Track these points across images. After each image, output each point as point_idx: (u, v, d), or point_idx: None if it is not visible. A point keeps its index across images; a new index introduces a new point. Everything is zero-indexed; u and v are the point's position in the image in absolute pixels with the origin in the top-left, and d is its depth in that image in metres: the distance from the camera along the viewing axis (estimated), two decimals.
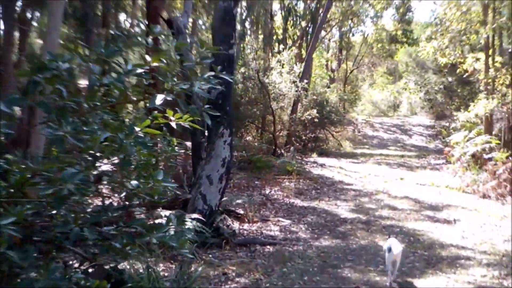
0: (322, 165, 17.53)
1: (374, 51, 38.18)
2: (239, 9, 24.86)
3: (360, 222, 9.95)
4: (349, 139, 27.26)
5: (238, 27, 22.09)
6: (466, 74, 17.65)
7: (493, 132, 16.21)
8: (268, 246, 8.21)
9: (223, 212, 9.75)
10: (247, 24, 25.25)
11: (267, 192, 12.74)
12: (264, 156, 16.30)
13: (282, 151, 17.80)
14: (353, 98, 34.69)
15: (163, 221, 7.42)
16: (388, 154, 22.27)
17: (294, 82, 18.53)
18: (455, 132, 16.69)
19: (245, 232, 9.16)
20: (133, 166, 3.82)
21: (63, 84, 3.24)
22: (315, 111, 19.16)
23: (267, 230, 9.28)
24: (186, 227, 7.27)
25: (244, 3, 23.37)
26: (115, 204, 5.56)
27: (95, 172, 3.66)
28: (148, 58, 3.57)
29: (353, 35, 36.96)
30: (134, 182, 3.72)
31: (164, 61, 3.59)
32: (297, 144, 19.65)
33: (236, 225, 9.45)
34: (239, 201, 10.44)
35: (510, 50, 16.05)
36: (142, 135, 3.49)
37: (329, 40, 39.68)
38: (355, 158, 20.39)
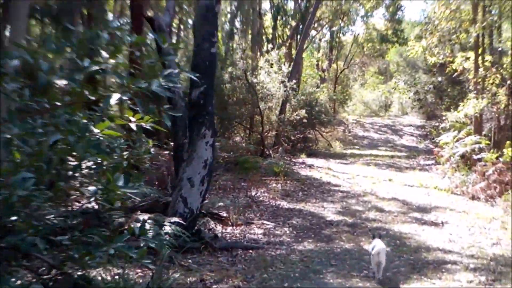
0: (310, 166, 17.31)
1: (365, 51, 37.98)
2: (228, 8, 24.75)
3: (346, 225, 9.73)
4: (340, 139, 27.11)
5: (227, 26, 21.89)
6: (456, 73, 17.47)
7: (483, 133, 16.04)
8: (250, 251, 7.95)
9: (206, 215, 9.54)
10: (236, 23, 25.02)
11: (253, 193, 12.51)
12: (251, 157, 16.05)
13: (271, 151, 17.57)
14: (343, 98, 34.41)
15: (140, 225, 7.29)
16: (378, 154, 22.12)
17: (282, 82, 18.29)
18: (445, 132, 16.50)
19: (228, 235, 8.91)
20: (92, 171, 3.57)
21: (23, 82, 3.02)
22: (303, 111, 18.94)
23: (250, 234, 9.04)
24: (164, 231, 7.08)
25: (234, 2, 23.23)
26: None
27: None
28: (105, 54, 3.33)
29: (343, 34, 36.73)
30: (91, 188, 3.47)
31: (121, 58, 3.33)
32: (286, 144, 19.43)
33: (219, 228, 9.22)
34: (221, 204, 10.17)
35: (500, 49, 15.88)
36: (98, 138, 3.24)
37: (320, 40, 39.51)
38: (344, 158, 20.20)
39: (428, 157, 19.60)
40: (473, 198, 12.24)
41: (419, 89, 29.98)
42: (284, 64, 18.65)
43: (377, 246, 6.46)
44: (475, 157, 13.87)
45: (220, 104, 17.02)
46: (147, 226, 7.17)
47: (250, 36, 23.29)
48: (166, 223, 7.16)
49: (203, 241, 7.88)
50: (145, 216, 7.76)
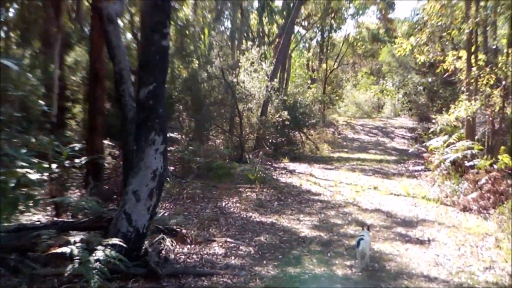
0: (291, 172, 16.23)
1: (355, 50, 36.97)
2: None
3: (319, 243, 8.62)
4: (329, 142, 26.17)
5: (201, 20, 20.65)
6: (447, 73, 16.34)
7: (476, 137, 14.92)
8: (203, 278, 6.81)
9: (162, 231, 8.44)
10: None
11: (223, 204, 11.44)
12: (227, 162, 14.94)
13: (250, 156, 16.42)
14: (328, 100, 33.22)
15: (68, 249, 6.15)
16: (366, 158, 21.05)
17: (263, 81, 17.18)
18: (434, 136, 15.38)
19: (183, 256, 7.78)
20: None
21: None
22: (286, 112, 17.83)
23: (209, 254, 7.90)
24: (95, 257, 5.96)
25: None
26: None
27: None
28: None
29: (334, 31, 35.63)
30: None
31: None
32: (267, 148, 18.31)
33: (174, 247, 8.09)
34: (174, 221, 8.95)
35: (494, 47, 14.74)
36: None
37: (311, 39, 38.53)
38: (329, 163, 19.12)
39: (418, 162, 18.51)
40: (464, 209, 11.14)
41: (409, 91, 28.75)
42: (265, 62, 17.51)
43: (363, 240, 7.11)
44: (467, 164, 12.77)
45: (196, 105, 15.93)
46: (75, 251, 6.12)
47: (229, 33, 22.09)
48: (99, 247, 6.07)
49: (150, 267, 6.74)
50: (77, 238, 6.68)
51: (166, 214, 10.36)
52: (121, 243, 6.40)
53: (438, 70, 16.10)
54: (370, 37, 34.95)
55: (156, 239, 8.09)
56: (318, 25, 34.77)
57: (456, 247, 8.43)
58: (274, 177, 15.04)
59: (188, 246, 8.25)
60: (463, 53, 15.07)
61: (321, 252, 8.06)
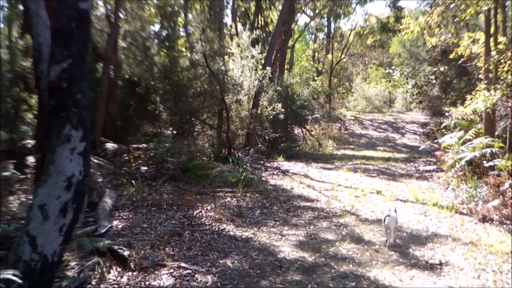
0: (284, 172, 14.35)
1: (364, 40, 34.94)
2: None
3: (300, 269, 6.72)
4: (334, 138, 24.27)
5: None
6: (462, 60, 14.32)
7: (496, 133, 12.91)
8: None
9: (104, 253, 6.66)
10: None
11: (195, 212, 9.58)
12: (208, 161, 13.07)
13: (239, 154, 14.50)
14: (328, 91, 31.16)
15: None
16: (372, 156, 19.07)
17: (255, 70, 15.28)
18: (448, 132, 13.38)
19: None
20: None
21: None
22: (280, 105, 15.91)
23: (152, 286, 6.05)
24: None
25: None
26: None
27: None
28: None
29: (340, 18, 33.57)
30: None
31: None
32: (260, 145, 16.40)
33: (112, 275, 6.27)
34: (104, 243, 7.03)
35: None
36: None
37: (316, 29, 36.63)
38: (329, 162, 17.18)
39: (429, 161, 16.54)
40: (484, 219, 9.18)
41: (419, 81, 26.49)
42: (255, 48, 15.59)
43: (388, 217, 7.84)
44: (486, 164, 10.80)
45: (175, 96, 14.08)
46: None
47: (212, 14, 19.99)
48: None
49: None
50: None
51: (120, 227, 8.57)
52: (16, 279, 4.61)
53: (451, 55, 14.09)
54: (379, 26, 32.89)
55: (88, 264, 6.28)
56: (324, 14, 32.83)
57: (475, 273, 6.54)
58: (263, 178, 13.19)
59: (130, 273, 6.41)
60: (481, 35, 13.05)
61: (299, 284, 6.17)
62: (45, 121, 6.15)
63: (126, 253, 6.76)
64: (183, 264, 6.71)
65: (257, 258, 7.14)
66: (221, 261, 7.00)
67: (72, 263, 6.49)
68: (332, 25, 36.12)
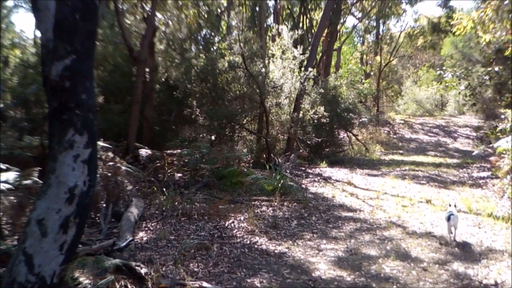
0: (326, 179, 13.55)
1: (414, 41, 33.70)
2: None
3: None
4: (382, 142, 23.30)
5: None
6: None
7: None
8: None
9: (120, 269, 6.06)
10: None
11: (226, 223, 8.91)
12: (246, 168, 12.42)
13: (279, 160, 13.77)
14: (374, 93, 30.06)
15: None
16: (423, 162, 18.02)
17: (298, 70, 14.55)
18: (503, 136, 12.28)
19: None
20: None
21: None
22: (322, 108, 15.11)
23: None
24: None
25: None
26: None
27: None
28: None
29: (390, 18, 32.49)
30: None
31: None
32: (301, 150, 15.64)
33: None
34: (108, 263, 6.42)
35: None
36: None
37: (365, 31, 35.65)
38: (376, 168, 16.25)
39: (483, 167, 15.43)
40: None
41: (472, 82, 25.06)
42: (297, 49, 14.85)
43: (452, 216, 7.83)
44: None
45: (212, 100, 13.49)
46: None
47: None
48: None
49: None
50: None
51: (144, 239, 7.99)
52: None
53: (507, 53, 13.00)
54: (431, 27, 31.64)
55: (100, 282, 5.69)
56: (372, 15, 31.86)
57: None
58: (303, 186, 12.43)
59: None
60: None
61: None
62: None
63: (143, 270, 6.12)
64: (205, 284, 6.03)
65: (288, 277, 6.40)
66: (248, 280, 6.29)
67: (85, 281, 5.91)
68: (381, 27, 35.08)
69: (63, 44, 4.84)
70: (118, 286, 5.71)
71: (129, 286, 5.88)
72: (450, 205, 8.40)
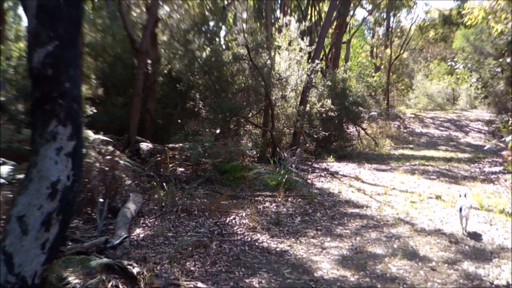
0: (333, 174, 13.19)
1: (425, 34, 33.17)
2: None
3: None
4: (392, 136, 22.91)
5: None
6: None
7: None
8: None
9: (112, 268, 5.78)
10: None
11: (227, 219, 8.59)
12: (251, 162, 12.10)
13: (285, 154, 13.42)
14: (383, 86, 29.63)
15: None
16: (433, 156, 17.61)
17: (304, 62, 14.19)
18: None
19: None
20: None
21: None
22: (329, 101, 14.73)
23: None
24: None
25: None
26: None
27: None
28: None
29: (401, 10, 31.95)
30: None
31: None
32: (308, 144, 15.27)
33: None
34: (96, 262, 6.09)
35: None
36: None
37: (374, 23, 35.18)
38: (385, 163, 15.87)
39: (495, 162, 14.99)
40: None
41: (484, 74, 24.51)
42: (304, 40, 14.48)
43: (463, 206, 7.84)
44: None
45: (216, 92, 13.16)
46: None
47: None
48: None
49: None
50: None
51: (141, 236, 7.68)
52: None
53: None
54: (442, 19, 31.08)
55: (90, 282, 5.40)
56: (383, 7, 31.37)
57: None
58: (309, 181, 12.09)
59: None
60: None
61: None
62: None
63: (135, 270, 5.82)
64: (199, 285, 5.72)
65: (289, 277, 6.07)
66: (246, 280, 5.97)
67: (74, 281, 5.61)
68: (392, 19, 34.54)
69: (45, 29, 4.51)
70: (109, 286, 5.43)
71: (120, 286, 5.60)
72: (460, 196, 8.44)
